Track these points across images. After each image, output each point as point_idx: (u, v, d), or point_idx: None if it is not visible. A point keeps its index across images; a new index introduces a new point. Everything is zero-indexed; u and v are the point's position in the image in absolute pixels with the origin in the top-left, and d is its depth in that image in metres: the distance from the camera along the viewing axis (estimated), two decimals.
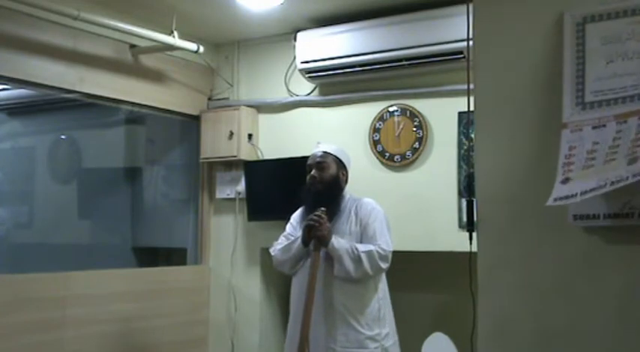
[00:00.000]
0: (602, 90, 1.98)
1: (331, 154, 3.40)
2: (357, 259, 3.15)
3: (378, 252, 3.18)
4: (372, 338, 3.24)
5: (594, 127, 1.97)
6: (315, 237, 3.17)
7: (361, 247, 3.17)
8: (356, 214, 3.32)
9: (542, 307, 2.11)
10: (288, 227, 3.53)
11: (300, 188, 3.46)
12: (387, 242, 3.25)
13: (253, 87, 4.90)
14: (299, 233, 3.44)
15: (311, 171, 3.38)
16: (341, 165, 3.42)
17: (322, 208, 3.19)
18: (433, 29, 3.98)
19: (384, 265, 3.21)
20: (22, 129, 5.52)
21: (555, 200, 1.94)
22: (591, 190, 1.86)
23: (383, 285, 3.36)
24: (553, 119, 2.11)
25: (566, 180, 1.95)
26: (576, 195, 1.89)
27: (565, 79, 2.05)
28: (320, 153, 3.41)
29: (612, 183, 1.81)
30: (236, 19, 4.42)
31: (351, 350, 3.19)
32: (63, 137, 5.43)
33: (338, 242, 3.16)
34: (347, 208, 3.35)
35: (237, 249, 4.80)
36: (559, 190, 1.95)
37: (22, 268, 4.50)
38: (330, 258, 3.20)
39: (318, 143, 3.50)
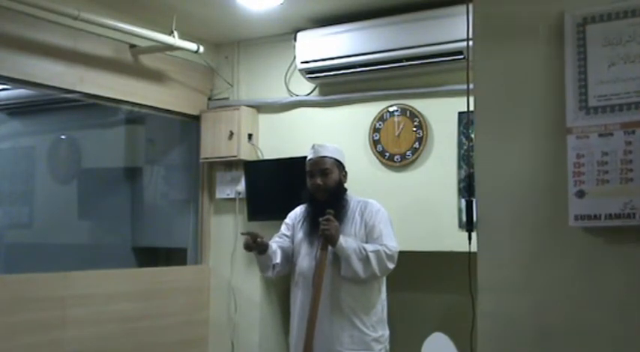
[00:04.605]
0: (605, 95, 1.99)
1: (331, 158, 3.38)
2: (364, 259, 3.13)
3: (385, 252, 3.17)
4: (377, 340, 3.23)
5: (601, 135, 1.98)
6: (322, 236, 3.15)
7: (369, 247, 3.16)
8: (361, 216, 3.31)
9: (542, 307, 2.11)
10: (283, 226, 3.52)
11: (301, 190, 3.44)
12: (393, 242, 3.24)
13: (253, 87, 4.90)
14: (296, 233, 3.43)
15: (313, 177, 3.35)
16: (341, 166, 3.41)
17: (329, 210, 3.18)
18: (433, 29, 3.98)
19: (391, 265, 3.20)
20: (22, 129, 5.52)
21: (576, 219, 1.97)
22: (617, 217, 1.91)
23: (384, 287, 3.36)
24: (553, 119, 2.11)
25: (581, 194, 1.98)
26: (600, 217, 1.93)
27: (567, 81, 2.06)
28: (321, 159, 3.36)
29: None
30: (236, 19, 4.42)
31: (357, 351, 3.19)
32: (63, 137, 5.43)
33: (346, 241, 3.14)
34: (352, 210, 3.33)
35: (237, 249, 4.80)
36: (576, 205, 1.98)
37: (22, 268, 4.51)
38: (337, 259, 3.19)
39: (314, 146, 3.45)
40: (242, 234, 3.33)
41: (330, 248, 3.16)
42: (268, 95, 4.80)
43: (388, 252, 3.18)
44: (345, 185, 3.44)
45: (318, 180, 3.32)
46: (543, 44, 2.15)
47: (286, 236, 3.46)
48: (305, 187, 3.42)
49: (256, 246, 3.22)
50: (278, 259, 3.34)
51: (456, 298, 3.08)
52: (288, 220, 3.52)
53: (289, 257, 3.41)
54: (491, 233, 2.22)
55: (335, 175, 3.34)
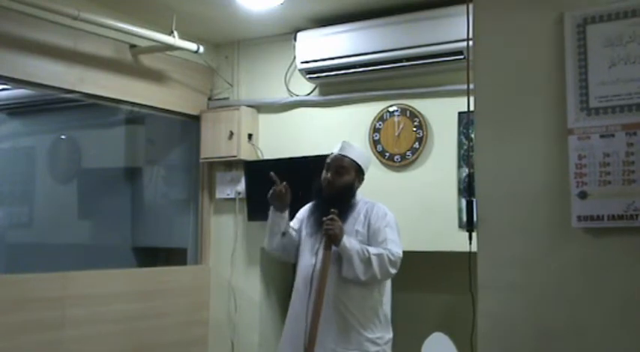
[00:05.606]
0: (606, 96, 1.99)
1: (353, 160, 3.36)
2: (367, 261, 3.12)
3: (388, 256, 3.15)
4: (372, 341, 3.21)
5: (602, 136, 1.98)
6: (326, 235, 3.15)
7: (372, 250, 3.15)
8: (365, 216, 3.29)
9: (542, 307, 2.11)
10: (294, 220, 3.50)
11: (301, 190, 3.44)
12: (397, 248, 3.23)
13: (253, 87, 4.90)
14: (303, 229, 3.42)
15: (327, 170, 3.34)
16: (360, 171, 3.38)
17: (333, 210, 3.17)
18: (433, 29, 3.98)
19: (393, 270, 3.19)
20: (22, 129, 5.52)
21: (579, 219, 1.97)
22: (620, 218, 1.93)
23: (388, 290, 3.34)
24: (554, 120, 2.11)
25: (583, 195, 1.98)
26: (603, 217, 1.93)
27: (568, 82, 2.06)
28: (342, 157, 3.33)
29: None
30: (236, 19, 4.42)
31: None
32: (63, 137, 5.43)
33: (349, 242, 3.13)
34: (357, 211, 3.32)
35: (237, 249, 4.80)
36: (579, 206, 1.98)
37: (22, 268, 4.50)
38: (338, 259, 3.18)
39: (344, 143, 3.40)
40: (271, 174, 3.24)
41: (333, 247, 3.16)
42: (268, 95, 4.80)
43: (392, 257, 3.16)
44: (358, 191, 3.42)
45: (330, 176, 3.31)
46: (543, 44, 2.15)
47: (295, 230, 3.45)
48: (309, 185, 3.41)
49: (284, 195, 3.23)
50: (290, 229, 3.34)
51: (456, 298, 3.08)
52: (299, 215, 3.51)
53: (295, 244, 3.39)
54: (491, 233, 2.22)
55: (349, 177, 3.32)
